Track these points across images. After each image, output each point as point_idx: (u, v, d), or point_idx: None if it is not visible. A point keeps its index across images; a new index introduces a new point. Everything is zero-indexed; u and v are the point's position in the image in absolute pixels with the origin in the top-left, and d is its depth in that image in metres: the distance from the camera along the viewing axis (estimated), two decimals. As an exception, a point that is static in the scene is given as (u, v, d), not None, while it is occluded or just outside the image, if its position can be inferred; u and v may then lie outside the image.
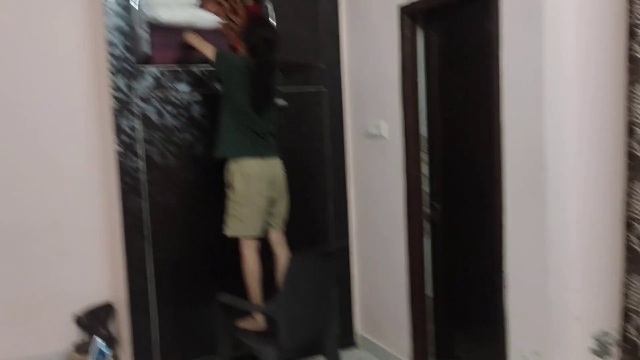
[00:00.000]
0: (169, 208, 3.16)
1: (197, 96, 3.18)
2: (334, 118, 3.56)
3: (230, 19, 3.22)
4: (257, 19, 3.07)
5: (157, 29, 2.98)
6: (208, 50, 2.89)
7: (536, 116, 2.33)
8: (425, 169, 3.16)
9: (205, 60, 2.96)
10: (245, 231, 2.90)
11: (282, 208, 3.07)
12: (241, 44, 2.96)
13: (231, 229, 2.93)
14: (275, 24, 3.09)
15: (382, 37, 3.25)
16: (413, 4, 2.98)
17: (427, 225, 3.17)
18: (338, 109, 3.57)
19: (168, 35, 3.01)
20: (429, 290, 3.21)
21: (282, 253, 3.06)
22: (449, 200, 3.05)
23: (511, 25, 2.41)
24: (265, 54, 2.87)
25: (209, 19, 3.12)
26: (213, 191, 3.20)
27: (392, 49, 3.14)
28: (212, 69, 3.02)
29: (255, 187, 2.88)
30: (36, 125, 3.34)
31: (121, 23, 2.99)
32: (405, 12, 3.04)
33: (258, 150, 2.91)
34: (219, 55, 2.87)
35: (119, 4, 2.99)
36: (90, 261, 3.50)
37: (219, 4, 3.24)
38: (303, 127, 3.47)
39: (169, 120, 3.14)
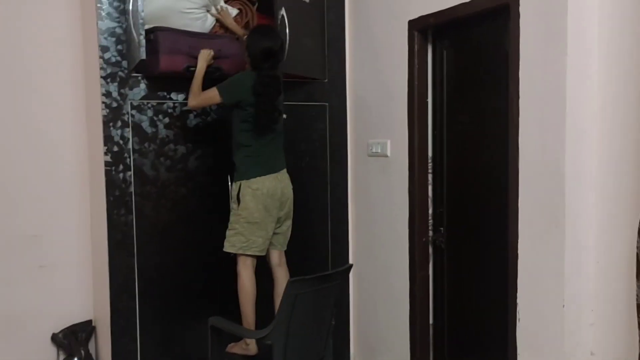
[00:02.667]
0: (159, 223, 3.00)
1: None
2: (336, 134, 3.44)
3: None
4: (261, 28, 2.91)
5: (163, 32, 2.81)
6: (210, 94, 2.74)
7: (556, 140, 2.23)
8: (430, 190, 3.03)
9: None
10: (248, 249, 2.76)
11: (286, 227, 2.94)
12: (245, 55, 2.82)
13: (233, 245, 2.77)
14: (287, 33, 2.94)
15: (389, 52, 3.15)
16: (422, 18, 2.88)
17: (431, 250, 3.04)
18: (340, 125, 3.46)
19: (174, 40, 2.83)
20: (431, 318, 3.06)
21: (281, 275, 2.91)
22: (455, 224, 2.92)
23: (531, 43, 2.30)
24: (266, 66, 2.73)
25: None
26: (206, 206, 3.07)
27: (400, 65, 3.04)
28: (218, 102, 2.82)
29: (265, 204, 2.75)
30: (20, 130, 3.19)
31: (115, 26, 2.86)
32: (414, 27, 2.94)
33: (270, 166, 2.80)
34: (220, 90, 2.72)
35: (113, 7, 2.85)
36: (73, 277, 3.33)
37: (238, 16, 3.15)
38: (303, 143, 3.35)
39: (163, 130, 3.00)
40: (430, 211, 3.03)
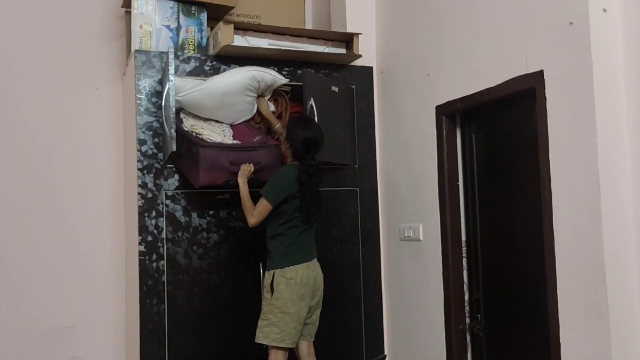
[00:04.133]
0: (191, 312, 2.98)
1: (224, 194, 3.07)
2: (368, 219, 3.41)
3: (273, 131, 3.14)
4: (301, 119, 2.97)
5: (205, 148, 2.83)
6: (263, 206, 2.74)
7: (592, 224, 2.15)
8: (465, 275, 2.94)
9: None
10: (281, 341, 2.68)
11: (316, 317, 2.87)
12: (285, 146, 2.85)
13: (266, 337, 2.70)
14: (317, 122, 3.00)
15: (418, 137, 3.17)
16: (449, 103, 2.91)
17: (469, 338, 2.91)
18: (372, 209, 3.44)
19: (215, 157, 2.83)
20: (472, 413, 2.88)
21: (310, 367, 2.81)
22: (493, 311, 2.80)
23: (560, 126, 2.29)
24: (309, 156, 2.78)
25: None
26: (239, 294, 3.05)
27: (429, 149, 3.05)
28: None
29: (299, 294, 2.71)
30: (59, 220, 3.29)
31: (152, 120, 2.99)
32: (442, 112, 2.97)
33: (304, 255, 2.79)
34: (268, 197, 2.73)
35: (151, 102, 2.99)
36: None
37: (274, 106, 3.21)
38: (334, 228, 3.32)
39: (196, 219, 3.03)
40: (466, 297, 2.92)
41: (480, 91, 2.68)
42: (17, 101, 3.23)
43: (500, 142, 2.76)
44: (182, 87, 2.90)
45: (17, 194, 3.19)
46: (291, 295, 2.69)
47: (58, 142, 3.31)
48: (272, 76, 3.06)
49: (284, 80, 3.12)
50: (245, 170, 2.83)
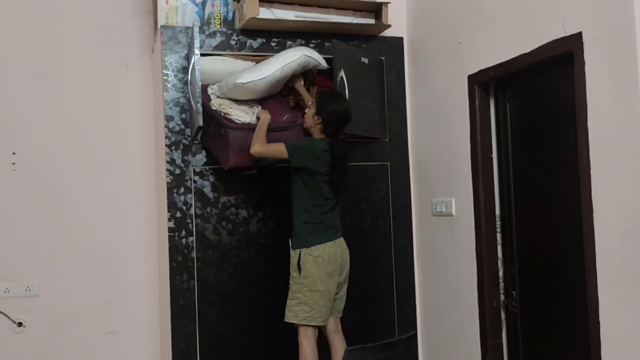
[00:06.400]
0: (221, 288, 2.98)
1: (252, 169, 3.03)
2: (399, 194, 3.33)
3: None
4: (330, 93, 2.90)
5: (234, 131, 2.78)
6: (277, 147, 2.69)
7: (633, 193, 2.02)
8: (499, 250, 2.85)
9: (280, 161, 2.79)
10: (312, 319, 2.65)
11: (343, 293, 2.83)
12: (314, 121, 2.77)
13: (296, 316, 2.67)
14: (347, 94, 2.93)
15: (450, 108, 3.07)
16: (482, 72, 2.80)
17: (503, 315, 2.83)
18: (403, 184, 3.35)
19: (244, 139, 2.76)
20: (507, 391, 2.81)
21: (338, 343, 2.78)
22: (528, 287, 2.71)
23: (599, 91, 2.16)
24: (339, 131, 2.72)
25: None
26: (269, 271, 3.03)
27: (461, 120, 2.95)
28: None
29: (328, 271, 2.67)
30: (95, 197, 3.29)
31: (179, 96, 2.97)
32: (475, 81, 2.86)
33: (330, 234, 2.73)
34: (290, 149, 2.67)
35: (178, 78, 2.97)
36: (141, 343, 3.33)
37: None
38: (364, 203, 3.26)
39: (224, 195, 3.01)
40: (500, 273, 2.84)
41: (515, 57, 2.57)
42: (48, 81, 3.25)
43: (536, 111, 2.64)
44: (242, 75, 2.81)
45: (50, 171, 3.22)
46: (319, 272, 2.65)
47: (90, 120, 3.31)
48: (316, 62, 2.98)
49: (326, 67, 3.03)
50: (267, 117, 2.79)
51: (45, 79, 3.24)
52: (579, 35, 2.22)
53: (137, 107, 3.41)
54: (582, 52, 2.21)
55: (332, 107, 2.71)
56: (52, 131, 3.24)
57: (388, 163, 3.32)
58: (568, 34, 2.27)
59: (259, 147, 2.68)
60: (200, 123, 2.68)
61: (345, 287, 2.82)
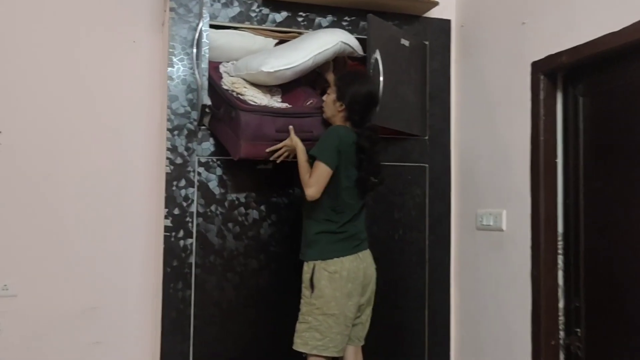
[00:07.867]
0: (223, 302, 2.60)
1: (267, 164, 2.65)
2: (437, 202, 3.01)
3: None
4: (352, 73, 2.52)
5: (247, 113, 2.39)
6: (321, 173, 2.26)
7: None
8: (560, 277, 2.46)
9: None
10: (324, 349, 2.24)
11: (366, 317, 2.43)
12: (335, 108, 2.39)
13: (305, 344, 2.26)
14: (381, 80, 2.56)
15: (505, 102, 2.72)
16: (551, 58, 2.42)
17: (562, 358, 2.43)
18: (443, 190, 3.03)
19: (259, 125, 2.40)
20: None
21: (358, 377, 2.37)
22: (597, 324, 2.30)
23: None
24: (366, 117, 2.36)
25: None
26: (282, 285, 2.67)
27: (520, 117, 2.58)
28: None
29: (345, 291, 2.26)
30: (89, 189, 2.95)
31: (187, 74, 2.60)
32: (540, 69, 2.48)
33: (353, 245, 2.34)
34: (325, 160, 2.27)
35: (185, 52, 2.60)
36: (128, 357, 2.96)
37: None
38: (397, 211, 2.91)
39: (233, 192, 2.64)
40: (561, 305, 2.45)
41: (594, 40, 2.18)
42: (54, 56, 2.93)
43: (616, 108, 2.25)
44: (267, 61, 2.47)
45: (39, 156, 2.89)
46: (334, 292, 2.23)
47: (93, 100, 2.97)
48: (352, 49, 2.64)
49: (362, 55, 2.69)
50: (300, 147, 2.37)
51: (47, 52, 2.90)
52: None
53: (142, 89, 3.05)
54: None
55: (354, 88, 2.34)
56: (44, 112, 2.89)
57: (427, 165, 3.00)
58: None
59: (309, 187, 2.26)
60: (205, 101, 2.27)
61: (368, 310, 2.42)
